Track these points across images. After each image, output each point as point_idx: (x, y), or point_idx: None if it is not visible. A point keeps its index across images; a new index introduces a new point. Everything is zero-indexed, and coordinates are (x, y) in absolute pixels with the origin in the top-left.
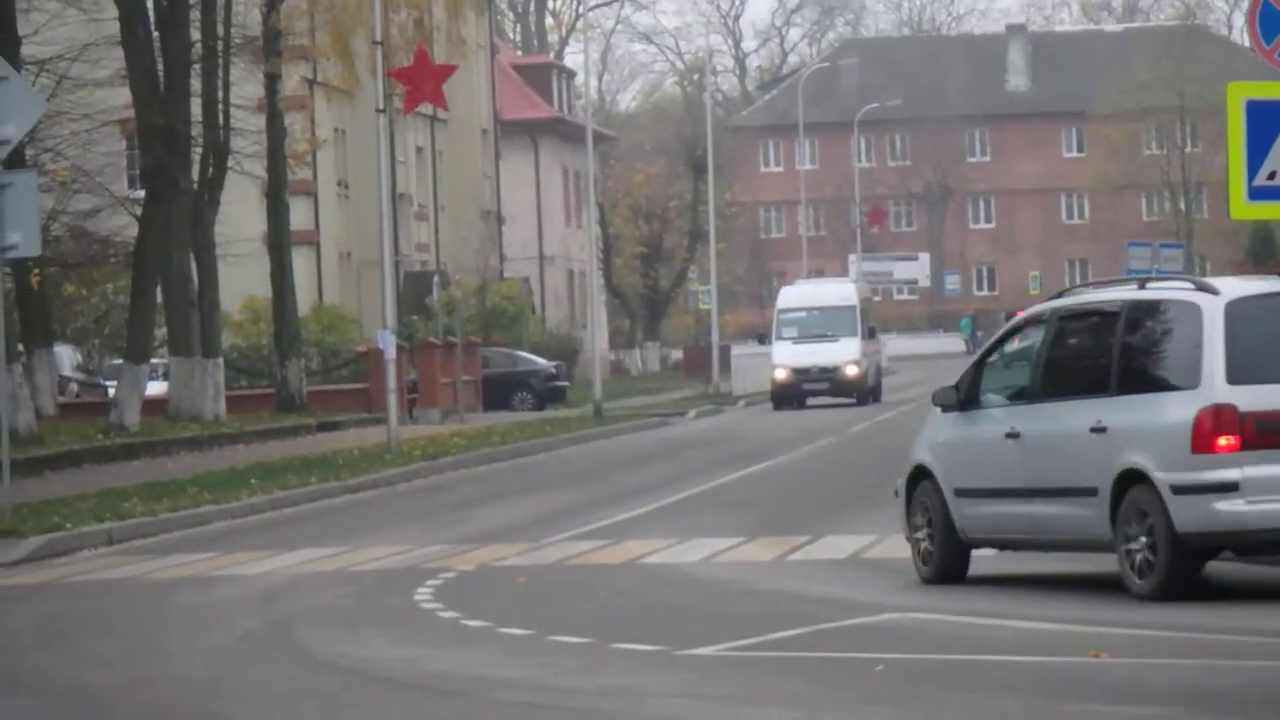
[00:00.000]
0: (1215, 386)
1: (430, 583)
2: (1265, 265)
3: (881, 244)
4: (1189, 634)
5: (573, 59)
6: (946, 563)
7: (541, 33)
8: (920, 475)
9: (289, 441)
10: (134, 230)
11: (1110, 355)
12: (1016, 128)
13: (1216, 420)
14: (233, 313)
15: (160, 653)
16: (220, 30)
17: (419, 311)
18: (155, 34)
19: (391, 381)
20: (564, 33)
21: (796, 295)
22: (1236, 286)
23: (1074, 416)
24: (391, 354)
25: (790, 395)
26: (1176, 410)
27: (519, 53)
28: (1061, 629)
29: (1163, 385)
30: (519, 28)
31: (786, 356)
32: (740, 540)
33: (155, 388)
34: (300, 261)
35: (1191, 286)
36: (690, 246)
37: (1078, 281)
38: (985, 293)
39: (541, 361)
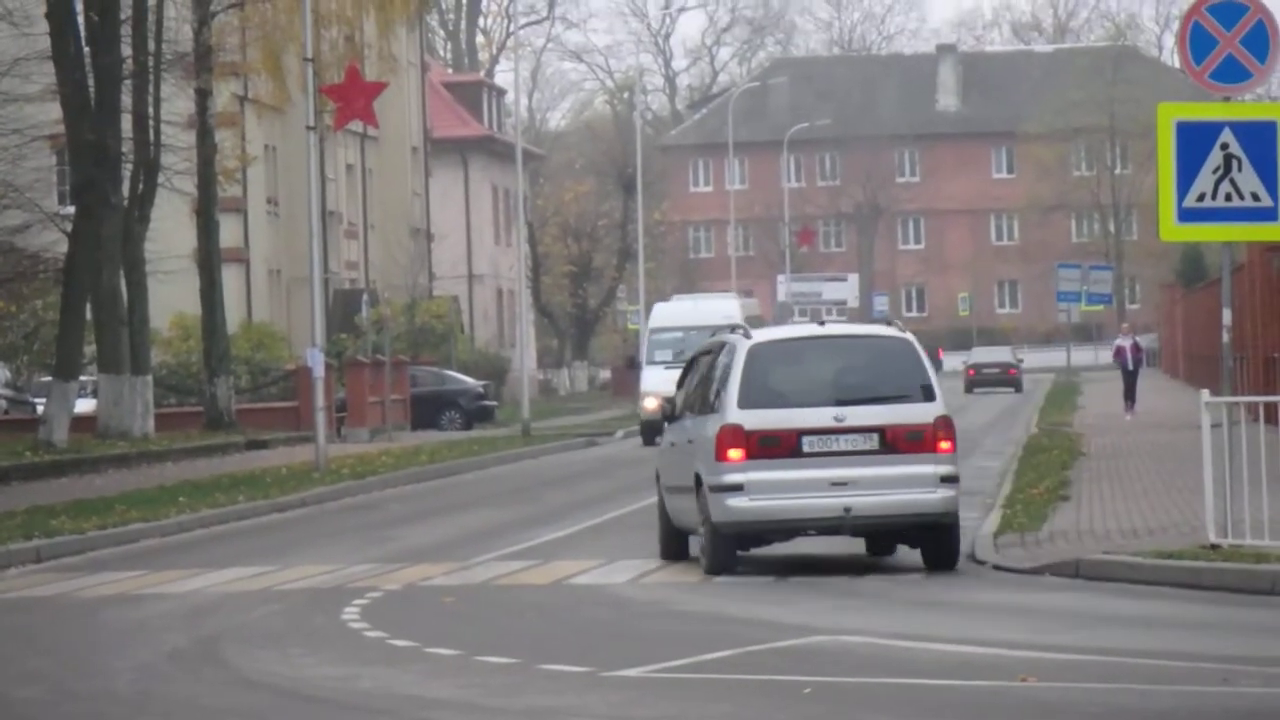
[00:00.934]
0: (729, 410)
1: (357, 602)
2: (1194, 286)
3: (811, 264)
4: (1115, 658)
5: (503, 77)
6: (669, 544)
7: (472, 50)
8: (658, 476)
9: (217, 459)
10: (64, 246)
11: (709, 382)
12: (946, 148)
13: (730, 436)
14: (162, 330)
15: (87, 669)
16: (151, 46)
17: (348, 329)
18: (86, 49)
19: (320, 400)
20: (494, 51)
21: (671, 313)
22: (767, 333)
23: (688, 430)
24: (320, 372)
25: (661, 428)
26: (711, 428)
27: (449, 70)
28: (989, 652)
29: (716, 408)
30: (449, 45)
31: (657, 383)
32: (663, 561)
33: (84, 405)
34: (230, 279)
35: (741, 333)
36: (619, 265)
37: (1008, 306)
38: (915, 314)
39: (470, 381)
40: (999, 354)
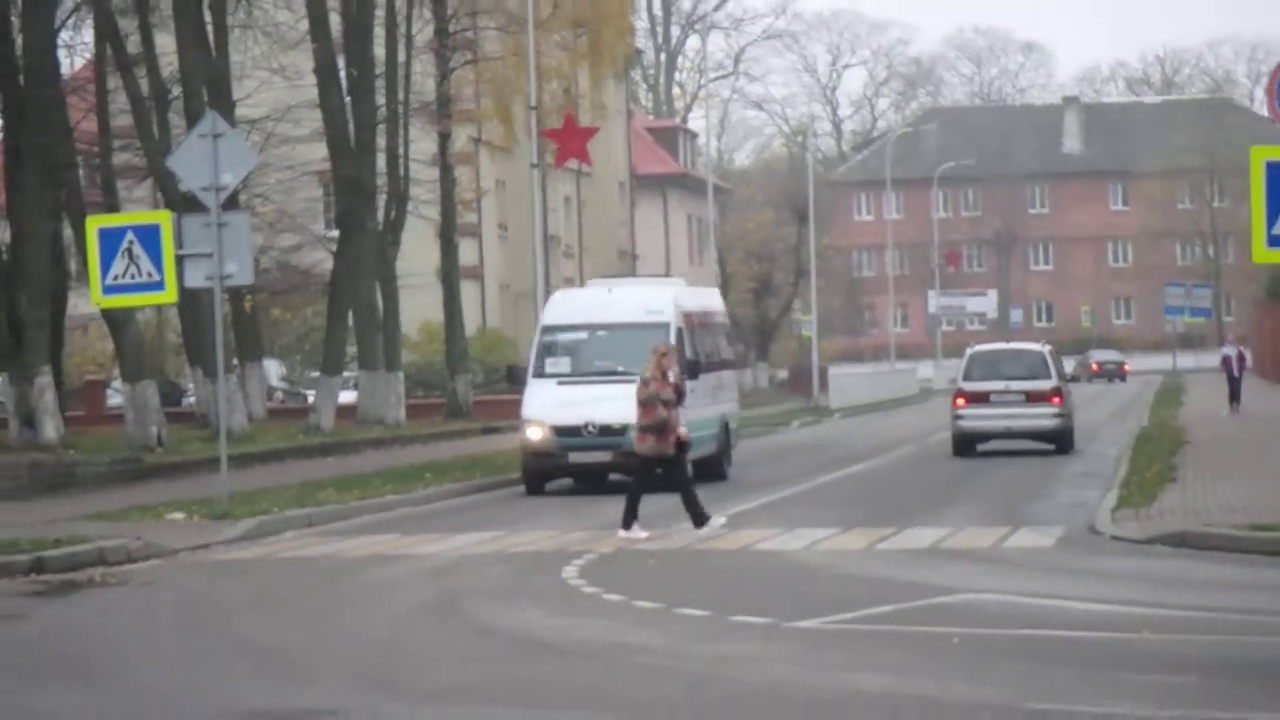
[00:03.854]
0: (959, 382)
1: (575, 562)
2: None
3: (956, 282)
4: (1217, 614)
5: (696, 123)
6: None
7: (669, 100)
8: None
9: (458, 443)
10: (329, 264)
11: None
12: (1071, 184)
13: (960, 395)
14: (411, 334)
15: (349, 618)
16: (401, 96)
17: None
18: (347, 99)
19: None
20: (688, 100)
21: (573, 307)
22: (980, 346)
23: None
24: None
25: (548, 471)
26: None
27: (651, 116)
28: (1109, 609)
29: (954, 382)
30: (651, 95)
31: (545, 406)
32: (836, 531)
33: (346, 396)
34: (467, 292)
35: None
36: (794, 283)
37: (1123, 318)
38: (1044, 324)
39: None
40: (1113, 354)
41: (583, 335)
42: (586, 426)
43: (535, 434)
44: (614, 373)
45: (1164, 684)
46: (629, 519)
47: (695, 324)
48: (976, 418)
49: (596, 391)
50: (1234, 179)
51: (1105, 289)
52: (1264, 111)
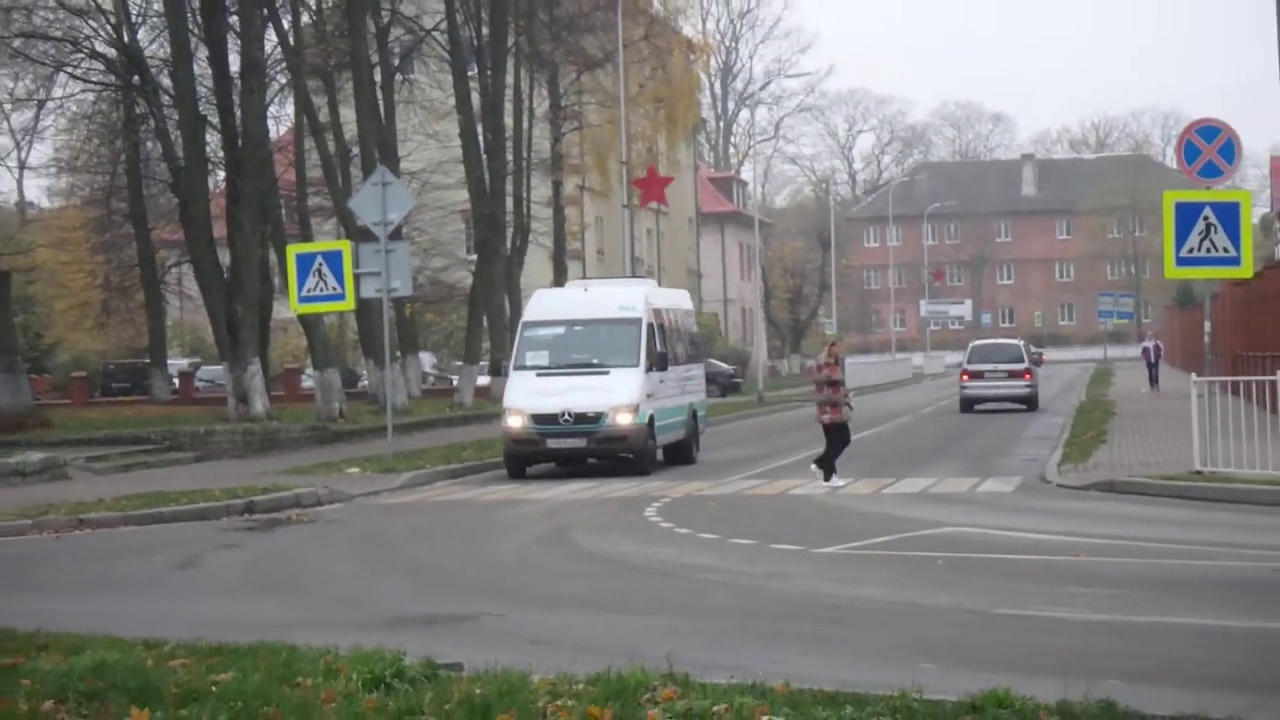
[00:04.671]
0: (964, 364)
1: (654, 504)
2: (1186, 307)
3: (941, 294)
4: (1135, 543)
5: (746, 174)
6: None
7: (726, 156)
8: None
9: None
10: (469, 280)
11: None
12: (1028, 220)
13: (964, 373)
14: None
15: (484, 546)
16: (524, 154)
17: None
18: (484, 156)
19: None
20: (740, 157)
21: (552, 303)
22: (976, 343)
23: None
24: None
25: (528, 456)
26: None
27: (712, 169)
28: (1055, 538)
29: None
30: (712, 153)
31: (524, 396)
32: (851, 480)
33: (482, 380)
34: None
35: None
36: (819, 294)
37: (1067, 320)
38: (1007, 325)
39: (725, 365)
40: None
41: (560, 330)
42: (563, 415)
43: (515, 422)
44: (589, 365)
45: (1097, 595)
46: (829, 474)
47: (665, 321)
48: (976, 388)
49: (572, 382)
50: (1151, 215)
51: (1053, 298)
52: (1174, 165)
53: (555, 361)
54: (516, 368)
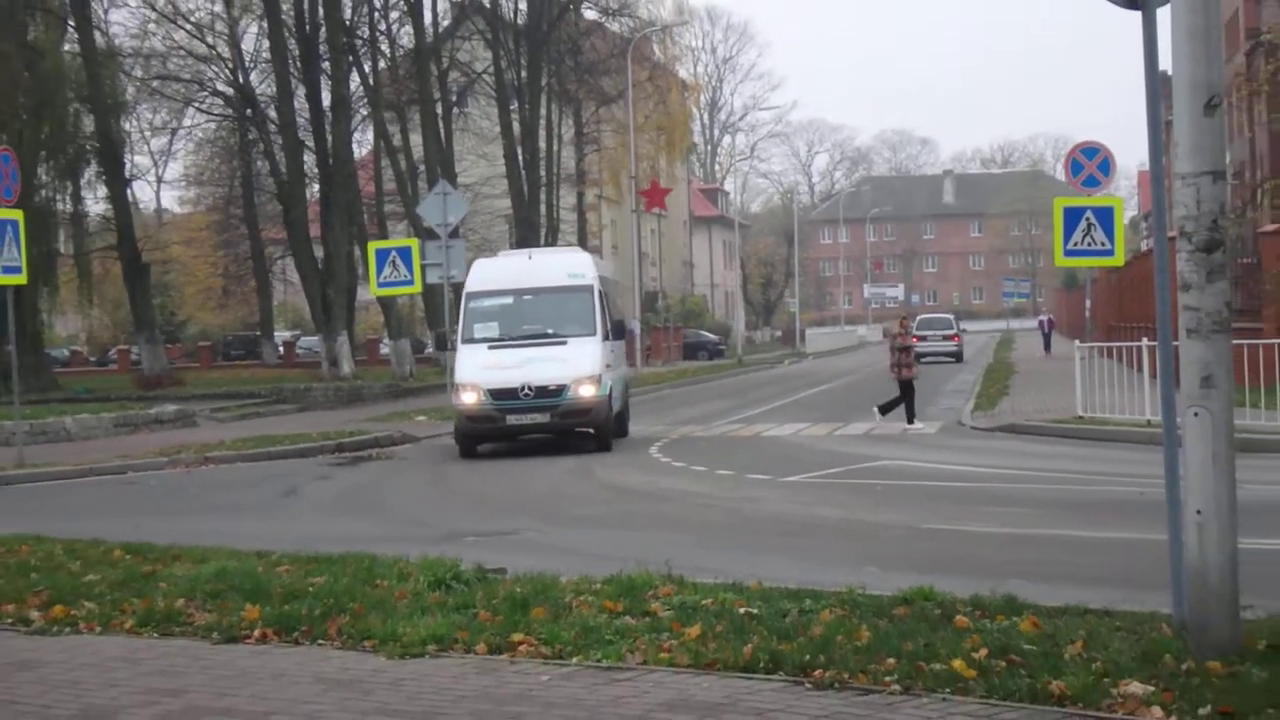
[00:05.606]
0: (911, 332)
1: (657, 444)
2: (1071, 289)
3: (880, 280)
4: (1032, 471)
5: (728, 185)
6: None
7: (713, 172)
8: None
9: None
10: None
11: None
12: (948, 222)
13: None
14: None
15: (523, 478)
16: (554, 170)
17: (651, 311)
18: (523, 171)
19: (638, 345)
20: (723, 173)
21: (496, 272)
22: (920, 318)
23: None
24: (637, 331)
25: (484, 434)
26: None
27: (702, 181)
28: (969, 469)
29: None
30: (702, 169)
31: (478, 370)
32: (808, 424)
33: None
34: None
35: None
36: (785, 280)
37: (978, 300)
38: (932, 303)
39: (711, 336)
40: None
41: (508, 300)
42: (523, 389)
43: (470, 398)
44: (544, 335)
45: (1007, 512)
46: (910, 418)
47: (608, 290)
48: (921, 347)
49: (529, 354)
50: (1044, 217)
51: (968, 282)
52: (1063, 178)
53: (506, 333)
54: (465, 341)
